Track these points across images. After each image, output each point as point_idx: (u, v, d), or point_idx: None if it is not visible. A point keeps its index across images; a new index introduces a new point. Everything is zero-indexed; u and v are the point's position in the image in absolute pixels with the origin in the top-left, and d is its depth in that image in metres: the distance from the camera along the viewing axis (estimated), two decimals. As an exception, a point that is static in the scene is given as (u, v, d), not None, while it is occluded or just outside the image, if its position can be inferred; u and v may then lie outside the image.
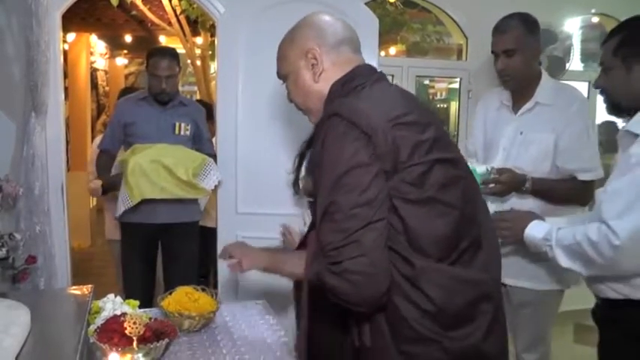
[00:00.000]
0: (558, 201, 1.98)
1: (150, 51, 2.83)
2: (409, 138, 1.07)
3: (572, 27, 3.46)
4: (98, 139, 3.53)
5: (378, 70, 1.27)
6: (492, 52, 2.03)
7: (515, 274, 1.98)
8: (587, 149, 1.96)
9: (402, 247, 1.06)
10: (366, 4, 2.98)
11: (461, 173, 1.15)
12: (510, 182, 1.92)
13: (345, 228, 1.02)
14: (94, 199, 6.35)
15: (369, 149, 1.04)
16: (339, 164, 1.05)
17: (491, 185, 1.90)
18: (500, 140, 2.06)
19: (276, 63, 1.34)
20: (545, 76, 2.06)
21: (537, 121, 2.00)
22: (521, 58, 1.96)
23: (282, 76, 1.33)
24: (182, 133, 2.77)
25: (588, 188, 1.93)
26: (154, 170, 2.51)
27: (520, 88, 2.04)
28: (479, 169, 1.90)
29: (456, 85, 3.76)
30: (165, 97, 2.74)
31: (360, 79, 1.20)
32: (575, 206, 2.02)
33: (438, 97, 7.25)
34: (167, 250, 2.83)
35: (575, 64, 3.66)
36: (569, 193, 1.97)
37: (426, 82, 6.63)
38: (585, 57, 3.79)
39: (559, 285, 2.04)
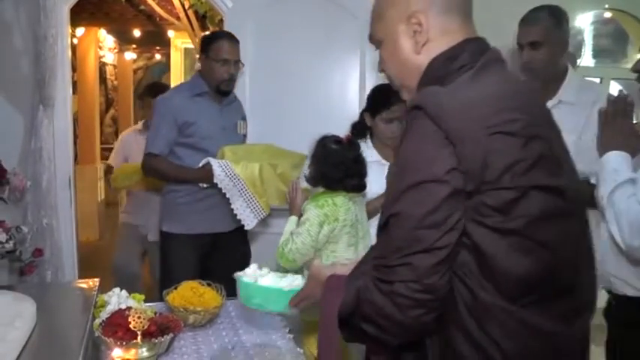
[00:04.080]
0: None
1: (210, 35, 2.55)
2: (504, 154, 0.85)
3: (584, 22, 3.41)
4: (126, 133, 3.45)
5: (487, 48, 1.00)
6: (518, 43, 1.95)
7: None
8: None
9: (473, 277, 0.89)
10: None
11: (566, 207, 0.91)
12: None
13: (402, 247, 0.88)
14: (103, 192, 6.38)
15: (449, 161, 0.86)
16: (412, 172, 0.89)
17: None
18: None
19: (369, 23, 1.08)
20: (571, 72, 1.98)
21: (558, 120, 1.92)
22: (547, 51, 1.88)
23: (375, 40, 1.07)
24: (242, 131, 2.53)
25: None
26: (271, 176, 2.25)
27: (544, 84, 1.94)
28: None
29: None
30: (231, 86, 2.44)
31: (467, 57, 0.96)
32: None
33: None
34: (216, 255, 2.50)
35: (587, 59, 3.61)
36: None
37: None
38: (597, 53, 3.73)
39: None
